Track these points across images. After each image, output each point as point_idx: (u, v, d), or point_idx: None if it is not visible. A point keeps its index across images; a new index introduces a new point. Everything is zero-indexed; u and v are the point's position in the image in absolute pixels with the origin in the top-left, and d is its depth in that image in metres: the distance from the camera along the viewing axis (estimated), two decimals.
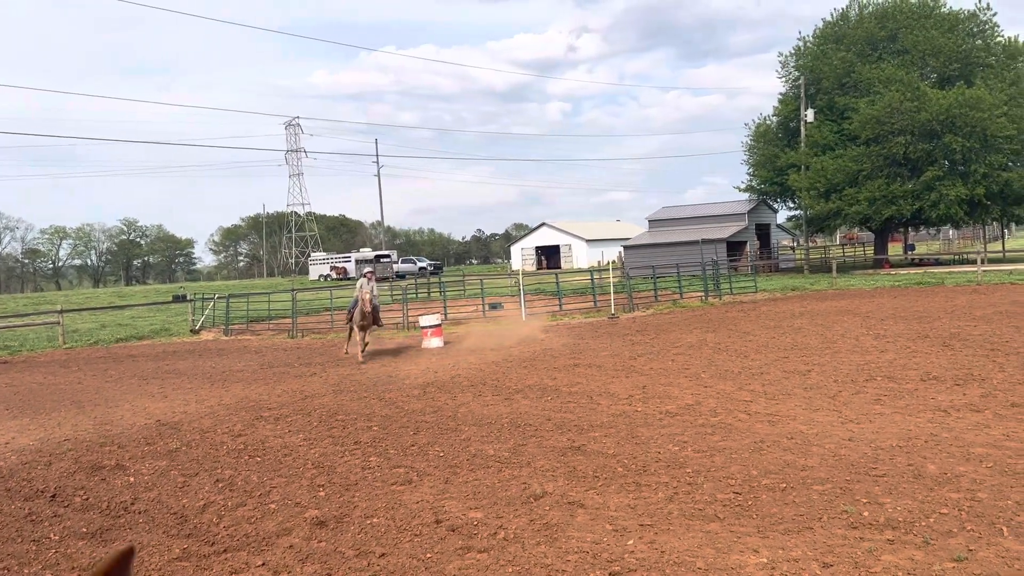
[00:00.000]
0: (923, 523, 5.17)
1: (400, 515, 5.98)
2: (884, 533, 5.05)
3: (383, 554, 5.25)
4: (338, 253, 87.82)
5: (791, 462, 6.81)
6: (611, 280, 25.02)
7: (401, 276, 60.24)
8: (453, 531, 5.59)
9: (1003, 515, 5.21)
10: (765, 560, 4.75)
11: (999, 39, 39.36)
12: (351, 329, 16.91)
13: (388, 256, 71.61)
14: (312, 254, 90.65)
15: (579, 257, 79.00)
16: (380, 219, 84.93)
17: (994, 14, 39.84)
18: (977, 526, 5.05)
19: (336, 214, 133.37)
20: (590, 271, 34.31)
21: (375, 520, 5.92)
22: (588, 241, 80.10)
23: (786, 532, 5.20)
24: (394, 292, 32.29)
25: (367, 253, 75.63)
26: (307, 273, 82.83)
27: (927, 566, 4.50)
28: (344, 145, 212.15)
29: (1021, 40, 38.96)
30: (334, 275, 70.63)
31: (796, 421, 8.37)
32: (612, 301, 23.93)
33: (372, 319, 16.34)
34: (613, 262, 46.36)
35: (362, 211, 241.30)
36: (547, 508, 5.95)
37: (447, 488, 6.62)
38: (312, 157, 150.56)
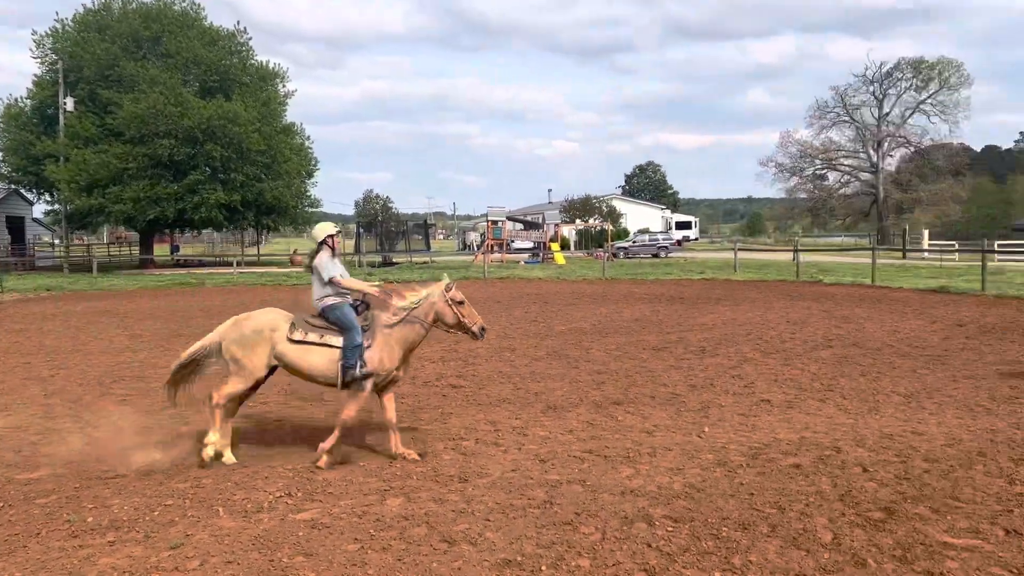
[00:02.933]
0: (147, 518, 5.21)
1: None
2: (106, 536, 4.92)
3: None
4: None
5: (12, 478, 6.14)
6: None
7: None
8: None
9: (222, 497, 5.62)
10: None
11: (253, 62, 43.44)
12: None
13: None
14: None
15: None
16: None
17: (249, 38, 43.86)
18: (197, 511, 5.33)
19: None
20: None
21: None
22: None
23: None
24: None
25: None
26: None
27: (144, 560, 4.53)
28: None
29: (270, 65, 43.74)
30: None
31: (28, 432, 7.61)
32: None
33: None
34: None
35: None
36: None
37: None
38: None
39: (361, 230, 46.12)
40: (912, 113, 71.31)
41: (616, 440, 6.96)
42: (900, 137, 71.86)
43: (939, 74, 69.06)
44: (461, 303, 6.69)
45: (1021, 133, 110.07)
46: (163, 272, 36.66)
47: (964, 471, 5.89)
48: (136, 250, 51.14)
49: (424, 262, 41.71)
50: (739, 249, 37.60)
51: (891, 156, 73.46)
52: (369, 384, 6.48)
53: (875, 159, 71.88)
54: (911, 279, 25.96)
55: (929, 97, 70.08)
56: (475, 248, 54.65)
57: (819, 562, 4.35)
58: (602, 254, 41.68)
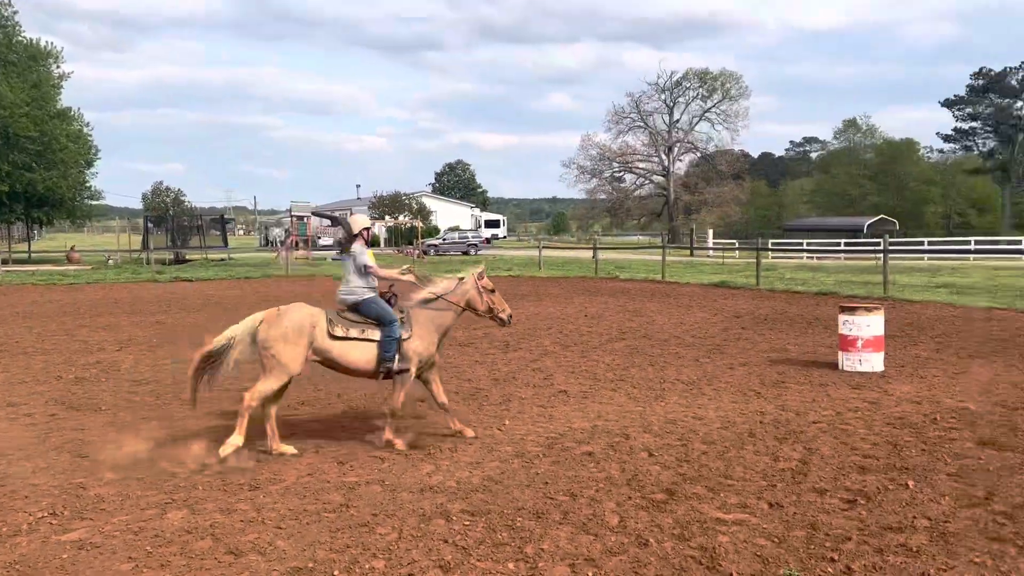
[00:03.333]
0: None
1: None
2: None
3: None
4: None
5: None
6: None
7: None
8: None
9: None
10: None
11: (21, 39, 39.18)
12: None
13: None
14: None
15: None
16: None
17: (15, 12, 39.48)
18: None
19: None
20: None
21: None
22: None
23: None
24: None
25: None
26: None
27: None
28: None
29: (42, 44, 39.65)
30: None
31: None
32: None
33: None
34: None
35: None
36: None
37: None
38: None
39: (150, 225, 42.92)
40: (699, 121, 77.21)
41: (418, 437, 6.91)
42: (688, 143, 77.59)
43: (722, 85, 75.24)
44: (492, 291, 6.99)
45: (791, 142, 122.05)
46: None
47: (736, 451, 6.39)
48: None
49: (221, 259, 39.60)
50: (543, 247, 38.90)
51: (681, 160, 79.14)
52: (412, 371, 6.69)
53: (666, 163, 77.03)
54: (696, 275, 28.04)
55: (713, 106, 76.16)
56: (278, 244, 52.63)
57: (606, 545, 4.53)
58: (412, 251, 41.60)
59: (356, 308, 6.72)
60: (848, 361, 9.76)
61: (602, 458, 6.23)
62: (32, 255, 44.18)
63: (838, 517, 4.93)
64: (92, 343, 12.90)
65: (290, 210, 48.51)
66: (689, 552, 4.43)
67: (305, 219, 46.43)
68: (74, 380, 9.80)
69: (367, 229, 7.11)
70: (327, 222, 54.76)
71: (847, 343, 9.79)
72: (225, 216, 57.27)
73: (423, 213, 67.80)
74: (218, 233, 46.24)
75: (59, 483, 5.74)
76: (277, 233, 68.85)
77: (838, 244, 46.96)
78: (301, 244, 45.15)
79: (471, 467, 6.04)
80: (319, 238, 50.81)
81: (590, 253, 35.62)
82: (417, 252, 43.26)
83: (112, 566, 4.32)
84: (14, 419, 7.77)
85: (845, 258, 40.69)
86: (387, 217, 63.19)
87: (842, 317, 9.92)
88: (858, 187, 78.76)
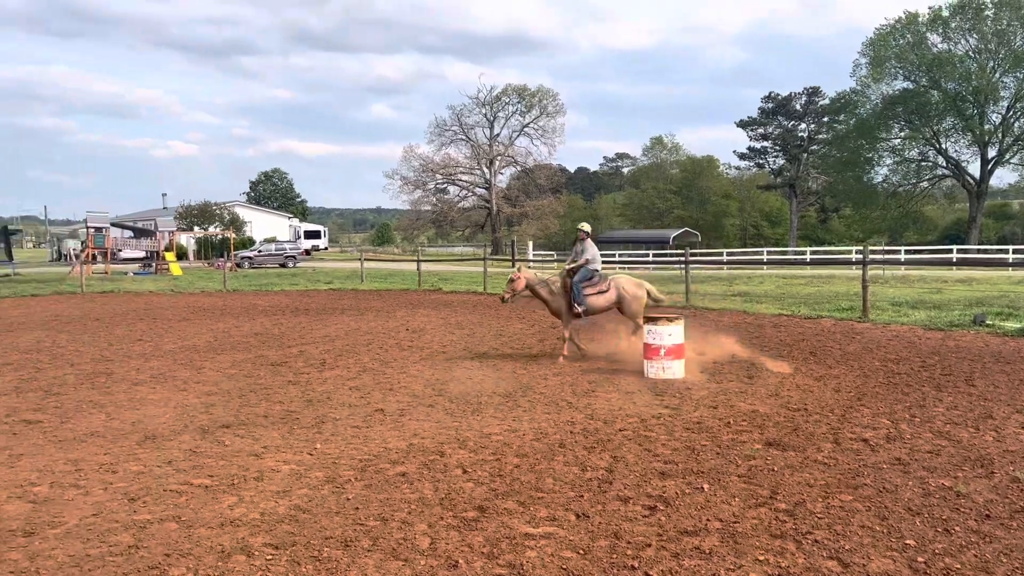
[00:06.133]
0: None
1: None
2: None
3: None
4: None
5: None
6: None
7: None
8: None
9: None
10: None
11: None
12: None
13: None
14: None
15: None
16: None
17: None
18: None
19: None
20: None
21: None
22: None
23: None
24: None
25: None
26: None
27: None
28: None
29: None
30: None
31: None
32: None
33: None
34: None
35: None
36: None
37: None
38: None
39: None
40: (518, 135, 79.34)
41: (221, 467, 6.52)
42: (508, 156, 79.45)
43: (539, 101, 77.80)
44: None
45: (605, 157, 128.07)
46: None
47: (547, 463, 6.53)
48: None
49: (5, 275, 35.83)
50: (366, 259, 38.32)
51: (502, 174, 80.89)
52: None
53: (488, 176, 78.45)
54: None
55: (532, 122, 78.54)
56: (73, 258, 48.43)
57: (415, 570, 4.46)
58: (224, 264, 39.59)
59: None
60: (652, 369, 10.29)
61: (416, 478, 6.16)
62: None
63: (640, 524, 5.14)
64: None
65: (86, 221, 44.71)
66: (498, 571, 4.45)
67: (104, 230, 42.92)
68: None
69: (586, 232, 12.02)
70: (129, 234, 50.98)
71: (651, 351, 10.32)
72: (10, 227, 51.94)
73: (236, 223, 64.83)
74: (3, 245, 41.80)
75: None
76: (72, 245, 63.34)
77: (647, 255, 49.77)
78: (100, 257, 41.75)
79: (278, 496, 5.77)
80: (120, 251, 47.14)
81: (414, 265, 35.50)
82: (230, 264, 41.20)
83: None
84: None
85: (653, 268, 43.16)
86: (196, 228, 59.86)
87: (647, 327, 10.44)
88: (665, 201, 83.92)
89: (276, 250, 53.12)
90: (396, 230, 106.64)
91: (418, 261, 34.07)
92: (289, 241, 63.66)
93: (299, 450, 7.08)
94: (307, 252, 61.06)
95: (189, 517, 5.34)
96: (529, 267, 13.40)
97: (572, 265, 12.13)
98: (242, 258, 49.08)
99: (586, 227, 12.36)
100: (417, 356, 12.53)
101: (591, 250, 12.17)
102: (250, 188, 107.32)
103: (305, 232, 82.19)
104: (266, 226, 74.85)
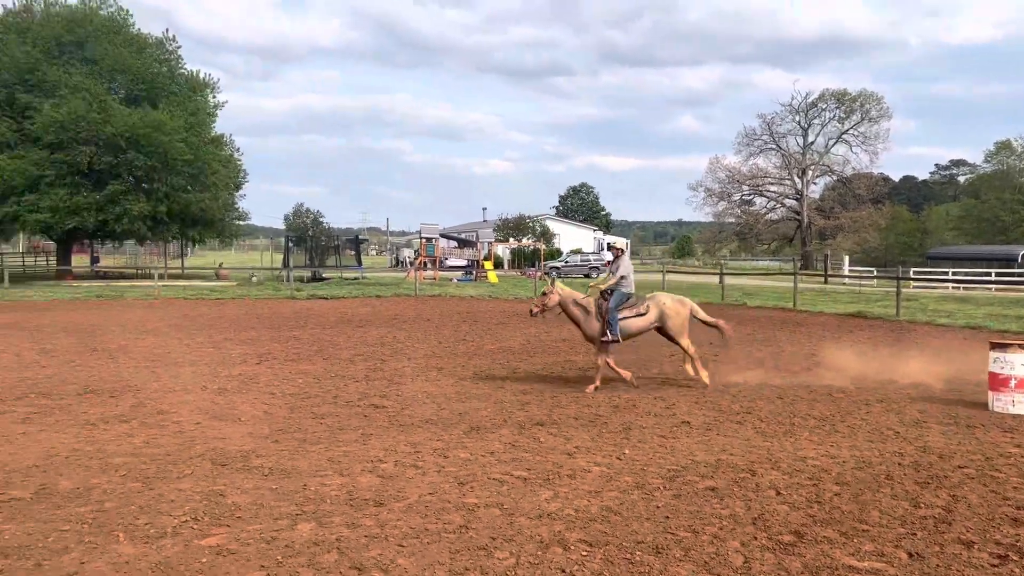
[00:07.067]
0: (40, 545, 4.94)
1: None
2: None
3: None
4: None
5: None
6: None
7: None
8: None
9: (123, 521, 5.37)
10: None
11: (183, 71, 42.42)
12: None
13: None
14: None
15: None
16: None
17: (179, 47, 42.82)
18: (96, 537, 5.07)
19: None
20: None
21: None
22: None
23: None
24: None
25: None
26: None
27: None
28: None
29: (201, 75, 42.79)
30: None
31: None
32: None
33: None
34: None
35: None
36: None
37: None
38: None
39: (291, 244, 45.26)
40: (835, 143, 74.10)
41: (537, 462, 6.93)
42: (823, 165, 74.54)
43: (861, 106, 72.01)
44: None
45: (936, 165, 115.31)
46: (81, 283, 35.25)
47: (872, 494, 6.04)
48: (54, 260, 49.08)
49: (355, 278, 41.19)
50: (667, 271, 38.29)
51: (815, 184, 76.09)
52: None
53: (800, 186, 74.28)
54: (830, 304, 26.80)
55: (851, 128, 72.95)
56: (408, 264, 54.24)
57: None
58: (534, 273, 41.90)
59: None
60: (999, 402, 9.06)
61: (726, 494, 6.03)
62: (185, 271, 47.47)
63: (987, 574, 4.56)
64: (235, 356, 13.70)
65: (420, 232, 49.91)
66: None
67: (433, 240, 47.65)
68: (217, 391, 10.42)
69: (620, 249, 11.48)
70: (454, 244, 56.05)
71: (998, 382, 9.10)
72: (360, 237, 59.63)
73: (546, 235, 68.27)
74: (353, 253, 48.18)
75: (200, 489, 6.11)
76: (407, 254, 71.04)
77: (988, 274, 43.79)
78: (429, 264, 46.38)
79: (590, 495, 5.99)
80: (446, 259, 51.98)
81: (716, 278, 34.77)
82: (539, 274, 43.52)
83: (247, 573, 4.55)
84: (164, 426, 8.34)
85: (996, 289, 37.89)
86: (511, 239, 64.02)
87: (993, 354, 9.22)
88: (1012, 213, 73.30)
89: (581, 261, 55.11)
90: (697, 243, 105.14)
91: (720, 274, 33.30)
92: (593, 253, 65.68)
93: (608, 453, 7.28)
94: (609, 263, 62.67)
95: (510, 505, 5.74)
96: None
97: (606, 284, 11.08)
98: (551, 268, 51.61)
99: (620, 243, 12.05)
100: (723, 370, 12.26)
101: (625, 266, 11.08)
102: (559, 202, 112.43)
103: (608, 244, 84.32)
104: (573, 238, 77.91)
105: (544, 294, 11.13)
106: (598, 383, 10.65)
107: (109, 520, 5.40)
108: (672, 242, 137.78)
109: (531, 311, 11.19)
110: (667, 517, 5.50)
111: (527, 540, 5.05)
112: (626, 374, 10.92)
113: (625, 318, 10.84)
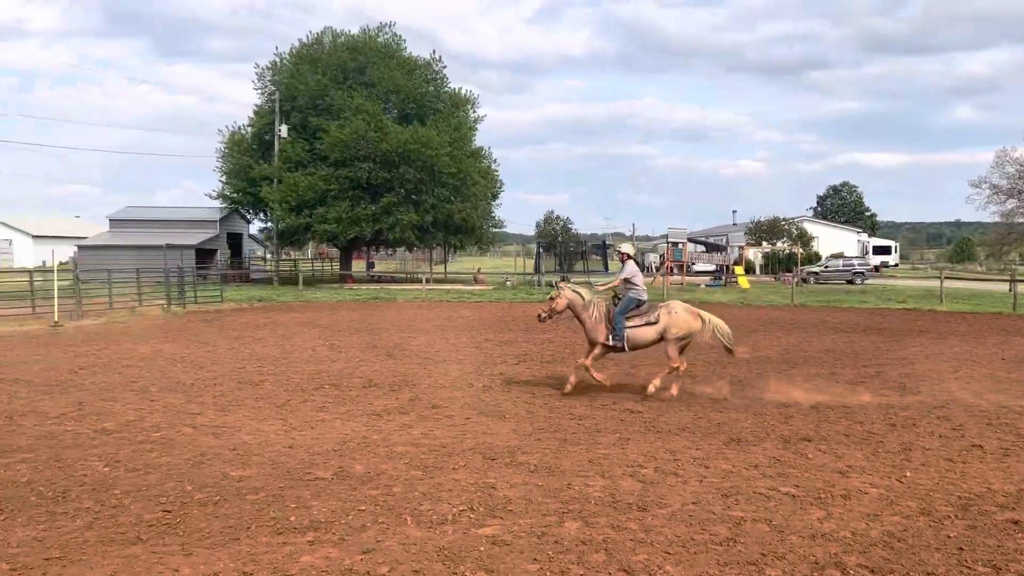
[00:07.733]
0: (342, 521, 5.56)
1: None
2: (307, 535, 5.30)
3: None
4: None
5: (228, 473, 6.76)
6: (56, 283, 22.07)
7: None
8: None
9: (409, 506, 5.89)
10: None
11: (447, 89, 45.57)
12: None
13: None
14: None
15: (22, 255, 68.49)
16: None
17: (444, 67, 46.10)
18: (387, 519, 5.62)
19: None
20: (31, 272, 29.86)
21: None
22: (35, 237, 70.14)
23: (212, 546, 5.11)
24: None
25: None
26: None
27: (339, 561, 4.84)
28: None
29: (463, 92, 45.73)
30: None
31: (242, 432, 8.36)
32: (56, 307, 21.13)
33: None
34: (64, 263, 41.07)
35: None
36: None
37: None
38: None
39: (541, 250, 46.91)
40: None
41: (805, 479, 6.60)
42: None
43: None
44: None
45: None
46: (360, 287, 39.12)
47: None
48: (336, 265, 54.96)
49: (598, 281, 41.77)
50: (946, 277, 34.64)
51: None
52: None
53: None
54: None
55: None
56: (654, 270, 53.94)
57: None
58: (790, 279, 39.82)
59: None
60: None
61: None
62: (447, 275, 50.98)
63: None
64: (496, 356, 14.46)
65: (667, 236, 49.46)
66: None
67: (681, 245, 46.99)
68: (483, 388, 11.07)
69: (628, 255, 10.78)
70: (702, 248, 54.84)
71: None
72: (605, 242, 60.30)
73: (803, 239, 64.57)
74: (599, 258, 48.88)
75: (474, 481, 6.53)
76: (652, 259, 70.61)
77: None
78: (676, 270, 45.80)
79: (868, 519, 5.60)
80: (693, 264, 51.03)
81: (1005, 285, 30.86)
82: (796, 279, 41.31)
83: (521, 565, 4.80)
84: (438, 420, 9.02)
85: None
86: (764, 243, 61.34)
87: None
88: None
89: (844, 266, 51.40)
90: (979, 246, 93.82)
91: (1012, 281, 29.50)
92: (857, 257, 61.04)
93: (886, 474, 6.76)
94: (876, 268, 57.81)
95: (779, 522, 5.53)
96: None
97: (609, 285, 11.08)
98: (808, 273, 48.77)
99: (627, 248, 11.13)
100: (1019, 390, 10.87)
101: (628, 269, 10.72)
102: (817, 203, 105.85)
103: (874, 247, 77.77)
104: (833, 241, 72.97)
105: (551, 298, 11.00)
106: (574, 382, 10.66)
107: (397, 504, 5.95)
108: (948, 245, 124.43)
109: (539, 316, 11.12)
110: (960, 549, 5.01)
111: (800, 559, 4.84)
112: (600, 376, 10.75)
113: (635, 327, 10.52)
